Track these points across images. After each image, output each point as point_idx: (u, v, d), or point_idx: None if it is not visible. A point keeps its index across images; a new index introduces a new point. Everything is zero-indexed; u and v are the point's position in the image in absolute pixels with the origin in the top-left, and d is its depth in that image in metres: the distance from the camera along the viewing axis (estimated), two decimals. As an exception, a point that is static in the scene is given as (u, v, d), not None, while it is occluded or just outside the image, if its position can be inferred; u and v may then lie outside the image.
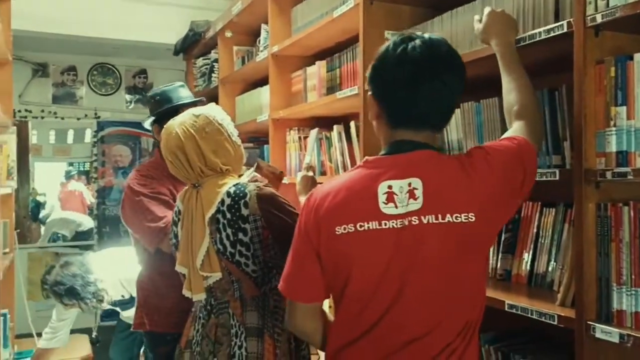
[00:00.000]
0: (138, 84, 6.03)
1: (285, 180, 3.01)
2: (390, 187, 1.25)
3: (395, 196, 1.24)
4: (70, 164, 6.25)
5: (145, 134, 6.00)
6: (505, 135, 1.40)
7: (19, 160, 3.58)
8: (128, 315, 3.20)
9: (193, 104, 2.36)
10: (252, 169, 1.95)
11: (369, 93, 1.36)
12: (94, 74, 5.88)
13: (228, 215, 1.69)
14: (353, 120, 2.54)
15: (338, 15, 2.43)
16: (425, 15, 2.13)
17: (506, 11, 1.59)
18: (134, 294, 3.03)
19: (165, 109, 2.34)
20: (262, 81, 3.42)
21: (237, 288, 1.74)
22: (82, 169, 6.17)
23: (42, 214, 6.10)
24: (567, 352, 1.52)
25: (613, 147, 1.36)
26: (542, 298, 1.60)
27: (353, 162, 2.54)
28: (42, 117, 5.70)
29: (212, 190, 1.72)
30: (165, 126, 1.81)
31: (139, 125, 5.98)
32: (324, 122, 2.94)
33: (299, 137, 3.00)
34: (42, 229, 5.98)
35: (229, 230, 1.69)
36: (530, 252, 1.78)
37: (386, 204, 1.24)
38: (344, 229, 1.25)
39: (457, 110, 1.87)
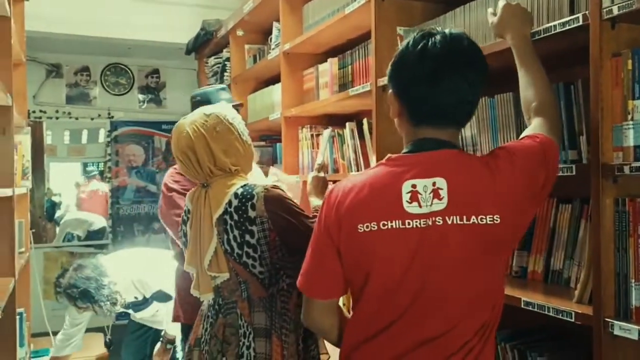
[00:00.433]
0: (151, 83, 6.06)
1: (297, 179, 3.02)
2: (414, 186, 1.23)
3: (419, 195, 1.23)
4: (86, 164, 6.30)
5: (159, 133, 6.03)
6: (526, 132, 1.38)
7: (34, 161, 3.61)
8: (140, 316, 3.22)
9: (235, 107, 2.40)
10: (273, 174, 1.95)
11: (390, 91, 1.35)
12: (107, 74, 5.92)
13: (235, 217, 1.69)
14: (365, 118, 2.53)
15: (349, 12, 2.42)
16: (437, 11, 2.11)
17: (521, 4, 1.57)
18: (147, 295, 3.06)
19: None
20: (274, 79, 3.42)
21: (245, 289, 1.74)
22: (96, 168, 6.20)
23: (57, 214, 6.15)
24: (585, 349, 1.50)
25: (630, 141, 1.33)
26: (559, 295, 1.58)
27: (366, 160, 2.53)
28: (57, 118, 5.75)
29: (220, 190, 1.72)
30: (176, 125, 1.81)
31: (152, 124, 6.07)
32: (336, 120, 2.94)
33: (311, 135, 2.99)
34: (57, 229, 6.03)
35: (236, 232, 1.69)
36: (546, 249, 1.75)
37: (410, 203, 1.23)
38: (367, 227, 1.24)
39: (471, 106, 1.85)
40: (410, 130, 1.32)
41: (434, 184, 1.22)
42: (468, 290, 1.24)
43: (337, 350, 1.43)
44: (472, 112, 1.34)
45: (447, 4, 2.05)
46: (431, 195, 1.22)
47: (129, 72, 5.97)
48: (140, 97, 6.03)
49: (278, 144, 3.38)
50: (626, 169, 1.32)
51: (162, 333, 2.99)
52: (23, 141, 3.03)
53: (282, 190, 1.77)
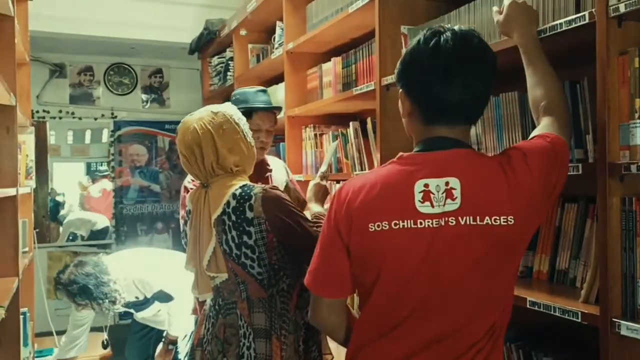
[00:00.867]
0: (154, 83, 6.06)
1: (300, 178, 3.02)
2: (426, 185, 1.22)
3: (432, 195, 1.21)
4: (89, 164, 6.31)
5: (162, 133, 6.03)
6: (536, 132, 1.37)
7: (38, 161, 3.61)
8: (142, 316, 3.22)
9: (270, 110, 2.40)
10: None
11: (400, 90, 1.33)
12: (110, 74, 5.92)
13: (233, 218, 1.69)
14: (369, 117, 2.53)
15: (353, 11, 2.41)
16: (441, 9, 2.10)
17: (527, 2, 1.56)
18: (149, 295, 3.05)
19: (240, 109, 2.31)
20: (278, 79, 3.41)
21: (244, 289, 1.74)
22: (106, 168, 6.21)
23: (60, 213, 6.16)
24: (591, 349, 1.49)
25: (637, 140, 1.32)
26: (565, 295, 1.57)
27: (369, 159, 2.52)
28: (60, 118, 5.76)
29: (219, 191, 1.72)
30: (182, 121, 1.81)
31: (155, 124, 6.07)
32: (340, 119, 2.93)
33: (315, 135, 2.99)
34: (61, 228, 6.04)
35: (234, 233, 1.69)
36: (552, 248, 1.74)
37: (422, 202, 1.21)
38: (378, 226, 1.23)
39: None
40: (421, 129, 1.30)
41: (447, 183, 1.21)
42: (478, 291, 1.23)
43: (343, 351, 1.42)
44: (484, 108, 1.33)
45: (452, 2, 2.04)
46: (444, 195, 1.21)
47: (133, 72, 5.98)
48: (144, 97, 6.03)
49: (282, 144, 3.38)
50: (633, 168, 1.31)
51: (164, 334, 2.99)
52: (27, 141, 3.03)
53: (281, 191, 1.76)
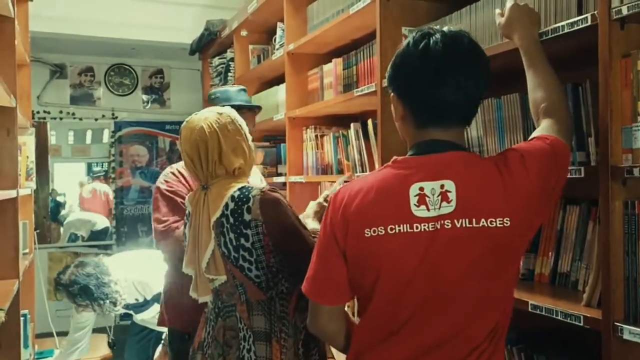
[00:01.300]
0: (154, 84, 6.06)
1: (301, 179, 3.01)
2: (422, 189, 1.21)
3: (427, 198, 1.21)
4: (90, 165, 6.31)
5: (163, 133, 6.03)
6: (535, 134, 1.36)
7: (38, 161, 3.61)
8: (141, 318, 3.21)
9: (253, 109, 2.40)
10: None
11: (391, 94, 1.33)
12: (111, 75, 5.92)
13: (231, 220, 1.69)
14: (370, 118, 2.52)
15: (354, 12, 2.40)
16: (442, 11, 2.10)
17: (528, 4, 1.55)
18: (148, 297, 3.05)
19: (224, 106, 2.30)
20: (278, 80, 3.41)
21: (242, 292, 1.73)
22: (100, 168, 6.22)
23: (61, 213, 6.16)
24: (593, 352, 1.48)
25: (640, 143, 1.32)
26: (567, 298, 1.56)
27: (371, 161, 2.51)
28: (61, 118, 5.76)
29: (219, 193, 1.72)
30: (187, 120, 1.81)
31: (156, 125, 6.07)
32: (341, 120, 2.93)
33: (316, 136, 2.98)
34: (62, 229, 6.05)
35: (231, 235, 1.69)
36: (554, 251, 1.74)
37: (418, 206, 1.21)
38: (374, 231, 1.22)
39: (477, 107, 1.84)
40: (415, 132, 1.30)
41: (442, 186, 1.21)
42: (477, 293, 1.22)
43: (344, 356, 1.41)
44: (476, 109, 1.32)
45: (453, 4, 2.04)
46: (439, 198, 1.20)
47: (133, 72, 5.98)
48: (144, 97, 6.03)
49: (282, 145, 3.37)
50: (636, 171, 1.30)
51: (164, 336, 2.98)
52: (27, 142, 3.02)
53: (280, 194, 1.75)
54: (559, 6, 1.55)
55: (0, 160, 2.45)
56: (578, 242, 1.67)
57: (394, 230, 1.21)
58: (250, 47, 3.88)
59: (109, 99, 5.90)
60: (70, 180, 6.26)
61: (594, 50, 1.38)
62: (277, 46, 3.34)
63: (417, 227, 1.20)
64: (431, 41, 1.24)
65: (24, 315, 2.72)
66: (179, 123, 1.83)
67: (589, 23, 1.39)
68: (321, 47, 2.99)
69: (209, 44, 4.46)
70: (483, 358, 1.23)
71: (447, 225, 1.19)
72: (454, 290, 1.22)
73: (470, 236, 1.19)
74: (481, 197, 1.20)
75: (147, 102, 6.05)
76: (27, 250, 3.10)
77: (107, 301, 2.88)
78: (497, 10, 1.58)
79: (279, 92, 3.34)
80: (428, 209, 1.20)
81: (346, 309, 1.44)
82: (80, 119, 5.83)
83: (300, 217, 1.87)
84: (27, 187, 3.01)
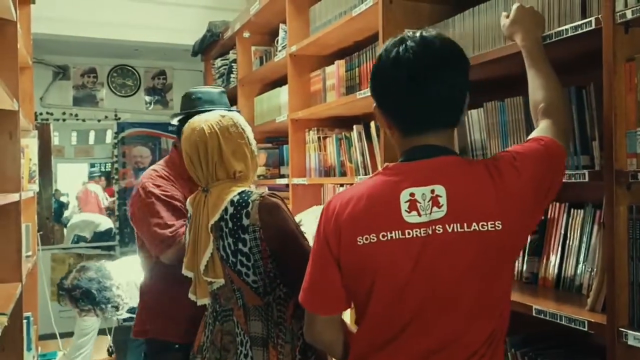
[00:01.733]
0: (157, 85, 6.06)
1: (304, 181, 3.01)
2: (412, 194, 1.21)
3: (418, 204, 1.20)
4: (93, 165, 6.32)
5: (165, 134, 6.03)
6: (532, 135, 1.35)
7: (41, 162, 3.62)
8: None
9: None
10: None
11: (374, 105, 1.33)
12: (113, 76, 5.93)
13: (230, 224, 1.68)
14: (373, 120, 2.51)
15: (357, 14, 2.39)
16: (445, 13, 2.09)
17: (533, 7, 1.55)
18: None
19: (206, 110, 2.12)
20: (281, 81, 3.40)
21: (240, 296, 1.73)
22: (103, 170, 6.22)
23: (65, 214, 6.17)
24: (598, 356, 1.48)
25: (645, 148, 1.31)
26: (571, 302, 1.56)
27: (373, 163, 2.51)
28: (64, 120, 5.77)
29: (219, 197, 1.72)
30: (189, 121, 1.81)
31: (158, 126, 6.08)
32: (344, 122, 2.92)
33: (318, 138, 2.98)
34: (65, 230, 6.05)
35: (230, 240, 1.68)
36: (558, 255, 1.73)
37: (409, 212, 1.21)
38: (366, 239, 1.22)
39: (480, 110, 1.83)
40: (402, 140, 1.30)
41: (432, 191, 1.20)
42: (473, 297, 1.22)
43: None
44: (462, 109, 1.30)
45: (455, 6, 2.03)
46: (430, 203, 1.20)
47: (136, 73, 5.98)
48: (147, 98, 6.04)
49: (285, 146, 3.37)
50: (640, 176, 1.30)
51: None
52: (30, 145, 3.03)
53: (281, 200, 1.74)
54: (563, 10, 1.54)
55: (3, 163, 2.45)
56: (583, 246, 1.67)
57: (386, 237, 1.21)
58: (253, 48, 3.87)
59: (111, 100, 5.90)
60: (73, 181, 6.27)
61: (598, 54, 1.38)
62: (279, 48, 3.33)
63: (408, 233, 1.20)
64: (401, 49, 1.24)
65: (27, 318, 2.72)
66: (182, 124, 1.83)
67: (593, 27, 1.38)
68: (324, 49, 2.99)
69: (212, 45, 4.46)
70: None
71: (439, 230, 1.19)
72: (450, 295, 1.21)
73: (462, 240, 1.18)
74: (472, 201, 1.20)
75: (150, 103, 6.05)
76: (30, 253, 3.10)
77: (110, 305, 2.88)
78: (504, 13, 1.57)
79: (282, 94, 3.34)
80: (419, 215, 1.20)
81: (347, 316, 1.44)
82: (83, 120, 5.84)
83: (298, 216, 1.87)
84: (29, 190, 3.02)
